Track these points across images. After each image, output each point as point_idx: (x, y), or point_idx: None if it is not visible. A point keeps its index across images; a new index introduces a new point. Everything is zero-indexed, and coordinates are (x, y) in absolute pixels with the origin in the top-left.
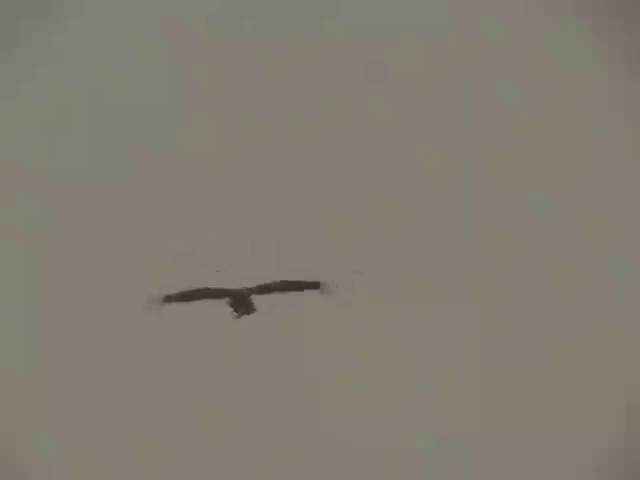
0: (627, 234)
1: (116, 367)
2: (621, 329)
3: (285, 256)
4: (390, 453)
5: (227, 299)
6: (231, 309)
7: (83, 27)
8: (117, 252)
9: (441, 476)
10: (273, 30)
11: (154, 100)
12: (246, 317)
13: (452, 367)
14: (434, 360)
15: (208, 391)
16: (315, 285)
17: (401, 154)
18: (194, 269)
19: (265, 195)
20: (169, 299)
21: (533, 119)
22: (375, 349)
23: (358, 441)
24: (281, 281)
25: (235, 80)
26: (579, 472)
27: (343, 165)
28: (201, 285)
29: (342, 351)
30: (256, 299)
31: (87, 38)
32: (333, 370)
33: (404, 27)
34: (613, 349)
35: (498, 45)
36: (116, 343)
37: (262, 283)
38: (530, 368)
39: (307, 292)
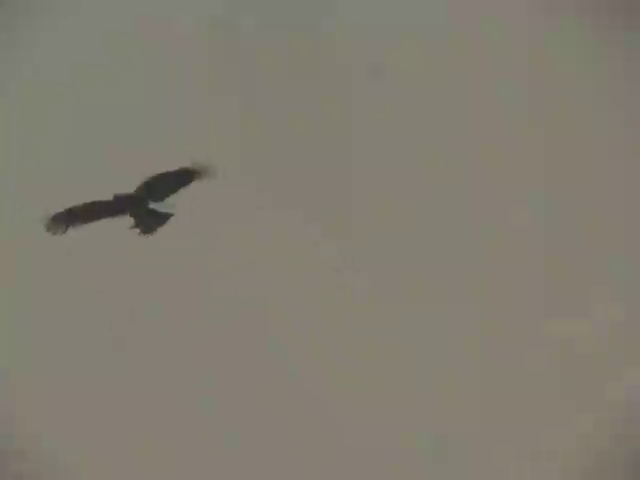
0: (627, 234)
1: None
2: (621, 329)
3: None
4: (390, 453)
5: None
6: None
7: (81, 26)
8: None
9: (441, 476)
10: (273, 30)
11: (153, 100)
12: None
13: (452, 367)
14: (434, 360)
15: (207, 392)
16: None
17: (401, 154)
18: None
19: (265, 195)
20: (57, 219)
21: (533, 119)
22: (375, 349)
23: (358, 441)
24: (160, 174)
25: (235, 80)
26: (579, 472)
27: (343, 165)
28: None
29: (341, 351)
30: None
31: (84, 38)
32: (333, 370)
33: (404, 27)
34: (613, 349)
35: (498, 45)
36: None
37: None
38: (530, 368)
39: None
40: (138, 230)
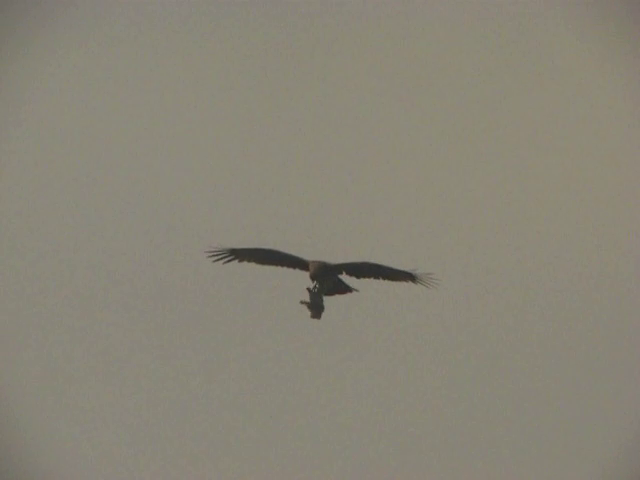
0: None
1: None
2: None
3: None
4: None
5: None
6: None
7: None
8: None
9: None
10: None
11: None
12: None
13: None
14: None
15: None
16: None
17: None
18: None
19: None
20: (234, 252)
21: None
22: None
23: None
24: (373, 264)
25: None
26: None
27: None
28: None
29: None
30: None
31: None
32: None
33: None
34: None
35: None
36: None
37: (349, 261)
38: (536, 369)
39: None
40: (310, 301)
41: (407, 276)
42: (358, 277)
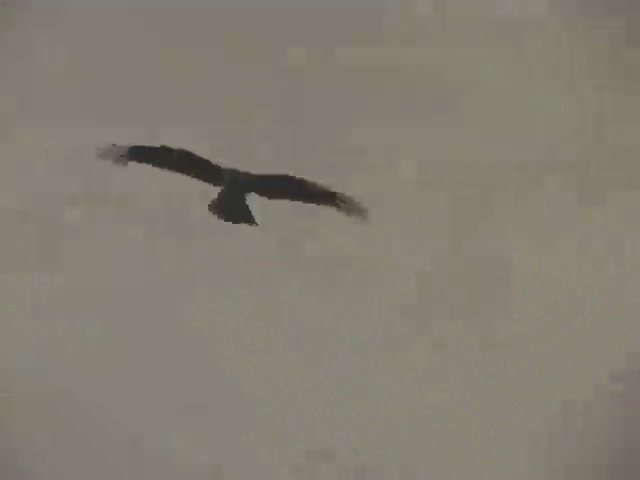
0: None
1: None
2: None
3: None
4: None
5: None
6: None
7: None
8: None
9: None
10: None
11: None
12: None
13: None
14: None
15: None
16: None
17: None
18: None
19: None
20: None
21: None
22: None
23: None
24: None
25: None
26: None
27: None
28: None
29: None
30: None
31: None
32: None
33: None
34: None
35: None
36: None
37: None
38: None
39: None
40: (214, 208)
41: (331, 198)
42: (270, 197)
